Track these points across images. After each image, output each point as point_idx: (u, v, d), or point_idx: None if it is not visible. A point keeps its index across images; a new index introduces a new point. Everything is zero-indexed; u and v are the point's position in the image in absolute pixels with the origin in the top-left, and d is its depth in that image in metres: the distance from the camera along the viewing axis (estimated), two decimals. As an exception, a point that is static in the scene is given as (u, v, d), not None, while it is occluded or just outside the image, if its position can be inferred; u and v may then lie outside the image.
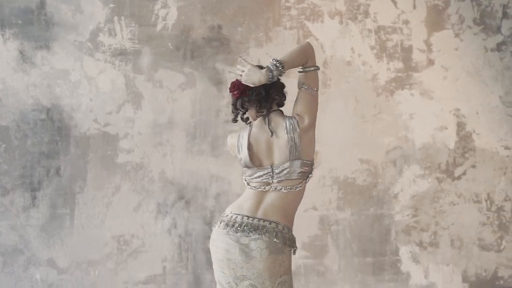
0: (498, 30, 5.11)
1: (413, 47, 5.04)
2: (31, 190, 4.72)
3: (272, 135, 2.94)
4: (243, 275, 2.87)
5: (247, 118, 3.07)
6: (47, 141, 4.74)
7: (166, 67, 4.84)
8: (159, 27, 4.85)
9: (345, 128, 4.92)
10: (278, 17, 4.94)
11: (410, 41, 5.04)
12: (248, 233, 2.87)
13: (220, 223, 2.94)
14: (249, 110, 3.04)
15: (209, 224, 4.83)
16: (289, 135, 2.91)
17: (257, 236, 2.86)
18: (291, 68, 2.96)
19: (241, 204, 2.97)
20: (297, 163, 2.93)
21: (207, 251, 4.80)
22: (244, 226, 2.88)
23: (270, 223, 2.89)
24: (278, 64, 2.87)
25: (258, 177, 2.95)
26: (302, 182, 2.97)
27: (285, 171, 2.93)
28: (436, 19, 5.06)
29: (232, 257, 2.88)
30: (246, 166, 2.98)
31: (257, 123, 3.01)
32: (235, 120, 3.09)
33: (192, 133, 4.86)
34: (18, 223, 4.70)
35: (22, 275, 4.70)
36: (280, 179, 2.93)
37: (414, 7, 5.04)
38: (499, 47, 5.11)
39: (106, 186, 4.78)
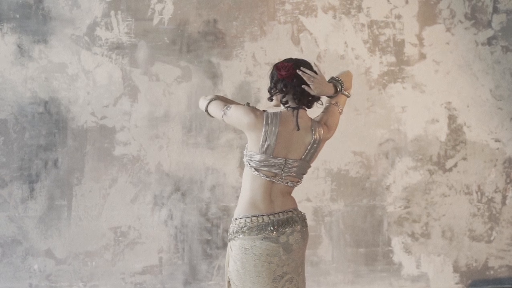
0: (489, 24, 5.14)
1: (405, 41, 5.07)
2: (29, 182, 4.73)
3: (298, 129, 2.91)
4: (284, 272, 2.88)
5: (286, 101, 2.97)
6: (45, 133, 4.75)
7: (162, 61, 4.85)
8: (155, 21, 4.87)
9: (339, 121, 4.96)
10: (272, 11, 4.96)
11: (402, 35, 5.07)
12: (283, 230, 2.88)
13: (249, 231, 2.87)
14: (283, 96, 2.97)
15: (205, 215, 4.86)
16: (313, 137, 2.93)
17: (290, 229, 2.89)
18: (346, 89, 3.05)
19: (253, 203, 2.92)
20: (306, 164, 2.99)
21: (203, 242, 4.86)
22: (276, 224, 2.87)
23: (292, 212, 2.94)
24: (341, 82, 2.99)
25: (269, 165, 2.90)
26: (299, 182, 3.02)
27: (295, 168, 2.94)
28: (428, 14, 5.09)
29: (274, 260, 2.86)
30: (265, 153, 2.90)
31: (285, 113, 2.95)
32: (271, 99, 3.01)
33: (188, 126, 4.87)
34: (16, 215, 4.72)
35: (21, 266, 4.72)
36: (288, 174, 2.93)
37: (406, 2, 5.07)
38: (489, 41, 5.14)
39: (103, 178, 4.80)
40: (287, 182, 2.94)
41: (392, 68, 5.07)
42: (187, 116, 4.86)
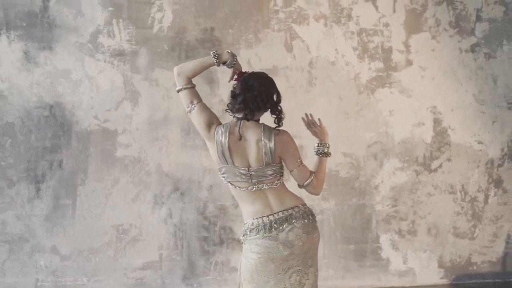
0: (472, 32, 5.28)
1: (393, 48, 5.20)
2: (35, 182, 4.83)
3: (240, 139, 2.95)
4: (290, 265, 2.98)
5: (231, 107, 3.02)
6: (50, 136, 4.85)
7: (162, 67, 4.95)
8: (155, 29, 4.97)
9: (330, 124, 4.82)
10: (266, 20, 5.07)
11: (390, 42, 5.19)
12: (282, 227, 2.96)
13: (251, 232, 2.99)
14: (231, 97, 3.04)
15: (203, 214, 4.98)
16: (263, 141, 2.95)
17: (289, 226, 2.97)
18: (323, 158, 3.21)
19: (254, 210, 3.02)
20: (275, 166, 3.00)
21: (201, 239, 4.98)
22: (274, 223, 2.97)
23: (293, 209, 3.01)
24: (328, 147, 3.23)
25: (236, 175, 2.98)
26: (280, 179, 3.04)
27: (266, 175, 2.98)
28: (414, 22, 5.22)
29: (276, 256, 2.96)
30: (226, 163, 2.97)
31: (233, 123, 3.00)
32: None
33: (186, 128, 4.98)
34: (23, 213, 4.82)
35: (28, 262, 4.83)
36: (258, 180, 2.98)
37: (394, 11, 5.20)
38: (473, 48, 5.28)
39: (106, 178, 4.90)
40: (263, 186, 3.00)
41: (380, 73, 5.18)
42: (186, 120, 4.95)
